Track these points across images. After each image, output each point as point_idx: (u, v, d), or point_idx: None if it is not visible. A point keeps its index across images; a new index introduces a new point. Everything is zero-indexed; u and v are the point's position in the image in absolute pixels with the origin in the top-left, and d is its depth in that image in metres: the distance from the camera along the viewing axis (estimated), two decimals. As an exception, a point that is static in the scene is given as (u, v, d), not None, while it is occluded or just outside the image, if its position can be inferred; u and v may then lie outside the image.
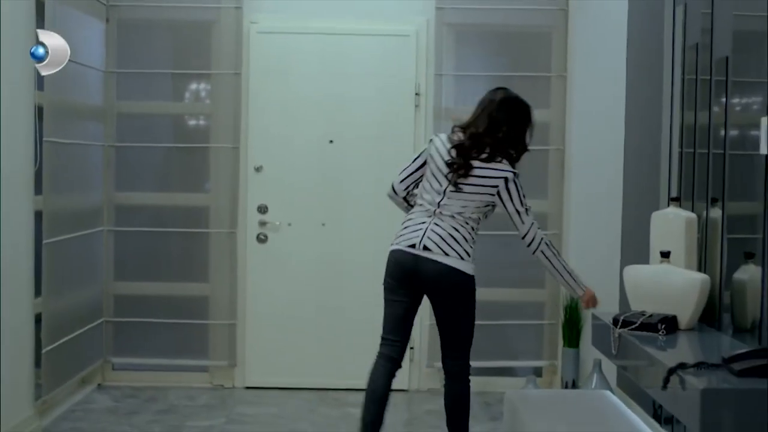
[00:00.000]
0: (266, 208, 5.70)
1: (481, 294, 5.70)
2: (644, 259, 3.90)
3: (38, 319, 4.74)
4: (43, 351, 4.73)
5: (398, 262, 3.93)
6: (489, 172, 3.86)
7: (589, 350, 5.14)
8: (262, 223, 5.69)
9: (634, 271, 3.67)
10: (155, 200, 5.82)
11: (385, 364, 4.03)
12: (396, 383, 5.59)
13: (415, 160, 4.03)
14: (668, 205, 3.84)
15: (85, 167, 5.44)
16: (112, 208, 5.70)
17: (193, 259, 5.78)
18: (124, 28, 5.68)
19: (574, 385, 5.45)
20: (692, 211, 3.80)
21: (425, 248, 3.83)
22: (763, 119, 3.13)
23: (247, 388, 5.72)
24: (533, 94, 5.69)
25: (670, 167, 4.31)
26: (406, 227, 3.95)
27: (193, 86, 5.85)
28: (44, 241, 4.73)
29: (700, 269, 3.67)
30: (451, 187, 3.87)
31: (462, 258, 3.89)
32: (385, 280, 4.02)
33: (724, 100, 3.64)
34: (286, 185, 5.72)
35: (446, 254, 3.85)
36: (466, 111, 5.67)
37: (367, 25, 5.72)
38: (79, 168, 5.33)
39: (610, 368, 5.03)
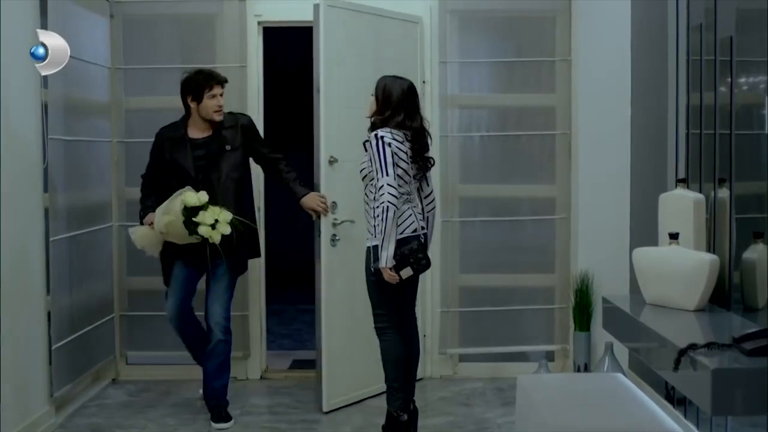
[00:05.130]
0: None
1: (491, 279, 5.78)
2: (653, 242, 3.90)
3: (50, 316, 4.76)
4: (53, 348, 4.75)
5: (420, 246, 4.35)
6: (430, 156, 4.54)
7: (600, 333, 5.14)
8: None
9: (643, 254, 3.67)
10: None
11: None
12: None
13: (392, 163, 4.25)
14: (676, 187, 3.84)
15: (92, 164, 5.45)
16: (123, 204, 5.70)
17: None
18: (128, 24, 5.67)
19: (587, 369, 5.45)
20: (700, 192, 3.80)
21: (423, 228, 4.46)
22: (768, 98, 3.12)
23: (262, 378, 5.76)
24: (538, 79, 5.72)
25: (677, 149, 4.31)
26: (407, 216, 4.35)
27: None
28: (51, 239, 4.74)
29: (708, 250, 3.68)
30: (416, 177, 4.45)
31: None
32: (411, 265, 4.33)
33: (729, 80, 3.64)
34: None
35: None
36: (471, 98, 5.74)
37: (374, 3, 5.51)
38: (86, 165, 5.34)
39: (621, 351, 5.04)
